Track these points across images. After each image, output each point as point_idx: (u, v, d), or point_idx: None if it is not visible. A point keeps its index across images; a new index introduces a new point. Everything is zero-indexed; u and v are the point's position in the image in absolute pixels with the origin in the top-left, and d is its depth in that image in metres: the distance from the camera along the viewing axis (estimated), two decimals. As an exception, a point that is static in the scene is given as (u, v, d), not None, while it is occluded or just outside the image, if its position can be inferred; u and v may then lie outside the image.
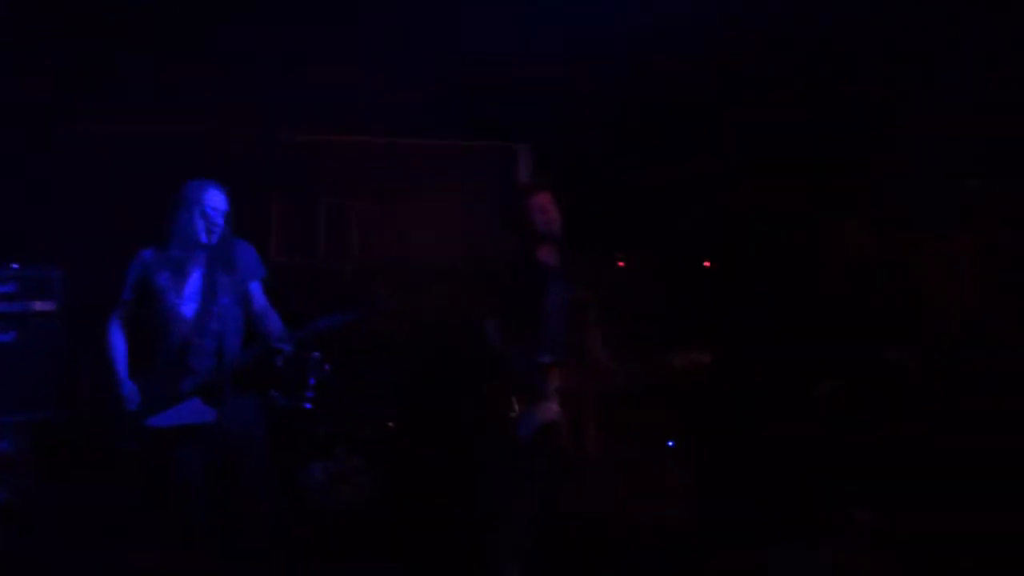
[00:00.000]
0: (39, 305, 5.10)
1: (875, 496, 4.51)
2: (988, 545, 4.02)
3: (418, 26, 5.90)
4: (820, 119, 5.58)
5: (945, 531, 4.14)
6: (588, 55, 5.87)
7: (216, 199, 3.73)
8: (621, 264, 5.50)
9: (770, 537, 4.36)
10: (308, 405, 5.09)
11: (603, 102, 6.13)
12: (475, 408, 4.02)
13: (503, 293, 4.01)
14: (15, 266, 5.08)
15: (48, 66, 5.70)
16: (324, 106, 6.17)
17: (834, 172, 5.62)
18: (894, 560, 4.09)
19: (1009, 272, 4.79)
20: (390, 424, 5.18)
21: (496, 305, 4.01)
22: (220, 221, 3.71)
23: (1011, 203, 4.71)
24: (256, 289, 3.86)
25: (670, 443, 5.09)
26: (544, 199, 4.03)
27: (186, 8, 5.57)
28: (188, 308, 3.72)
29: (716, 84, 5.80)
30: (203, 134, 6.05)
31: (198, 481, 3.72)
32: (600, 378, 3.98)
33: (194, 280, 3.74)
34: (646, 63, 5.82)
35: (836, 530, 4.40)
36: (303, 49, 6.11)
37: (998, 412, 4.36)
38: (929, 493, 4.36)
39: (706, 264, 6.06)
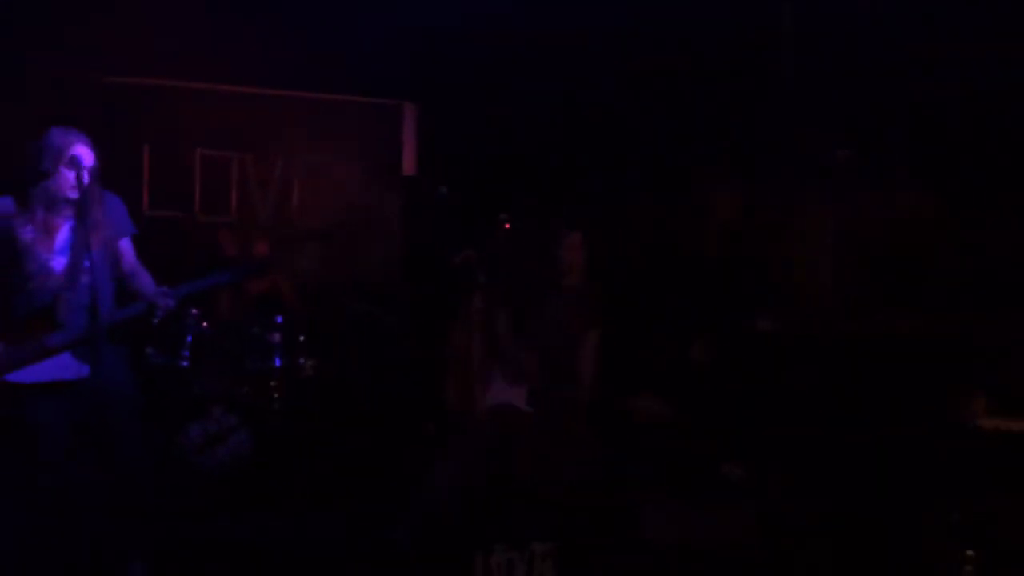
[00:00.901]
0: None
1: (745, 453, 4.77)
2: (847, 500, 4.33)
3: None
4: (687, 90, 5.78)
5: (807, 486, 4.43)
6: (476, 16, 5.87)
7: (83, 151, 3.51)
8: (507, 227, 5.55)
9: (646, 491, 4.56)
10: (185, 363, 4.97)
11: (491, 64, 6.15)
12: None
13: (523, 309, 4.26)
14: None
15: None
16: (204, 54, 5.94)
17: (706, 142, 5.83)
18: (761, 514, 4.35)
19: (871, 244, 5.11)
20: (272, 383, 5.11)
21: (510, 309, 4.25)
22: (87, 176, 3.50)
23: (875, 175, 5.01)
24: (126, 246, 3.69)
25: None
26: (576, 239, 4.29)
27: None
28: (58, 262, 3.53)
29: (593, 51, 5.88)
30: (73, 76, 5.74)
31: (65, 438, 3.56)
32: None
33: (63, 234, 3.54)
34: (531, 28, 5.86)
35: (709, 486, 4.64)
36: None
37: (860, 376, 4.68)
38: (793, 450, 4.65)
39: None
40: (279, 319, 5.24)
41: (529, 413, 4.21)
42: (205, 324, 5.09)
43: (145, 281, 3.67)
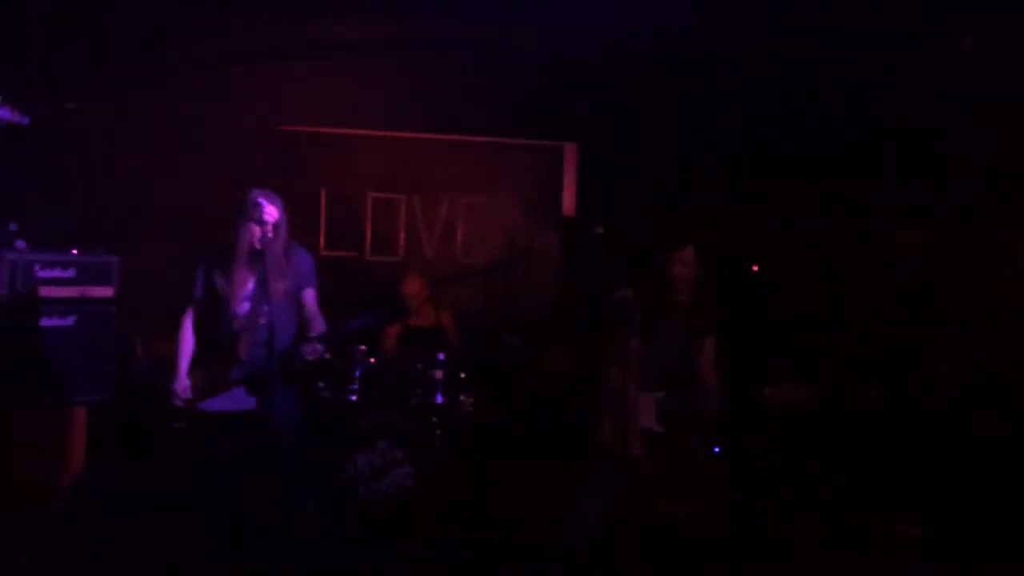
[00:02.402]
0: (97, 291, 5.26)
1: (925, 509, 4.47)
2: None
3: (469, 26, 5.96)
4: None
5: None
6: (634, 57, 5.89)
7: (268, 210, 3.94)
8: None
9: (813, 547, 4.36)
10: (353, 397, 5.20)
11: (648, 103, 6.15)
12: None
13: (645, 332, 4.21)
14: (74, 252, 5.24)
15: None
16: (369, 103, 6.28)
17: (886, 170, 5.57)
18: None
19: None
20: (434, 418, 5.25)
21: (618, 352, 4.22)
22: (271, 230, 3.96)
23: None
24: (309, 296, 4.11)
25: (716, 449, 5.10)
26: (687, 253, 4.22)
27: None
28: (242, 307, 3.99)
29: (755, 86, 5.77)
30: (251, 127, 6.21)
31: (233, 462, 3.95)
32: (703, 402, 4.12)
33: (250, 282, 4.00)
34: (691, 65, 5.82)
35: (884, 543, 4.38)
36: (355, 46, 6.23)
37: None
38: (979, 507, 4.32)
39: (754, 268, 6.04)
40: (441, 356, 5.38)
41: (659, 432, 4.14)
42: (372, 360, 5.31)
43: (317, 327, 4.09)
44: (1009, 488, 4.36)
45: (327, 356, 5.06)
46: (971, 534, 4.25)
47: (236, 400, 3.93)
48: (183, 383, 4.00)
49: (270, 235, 3.90)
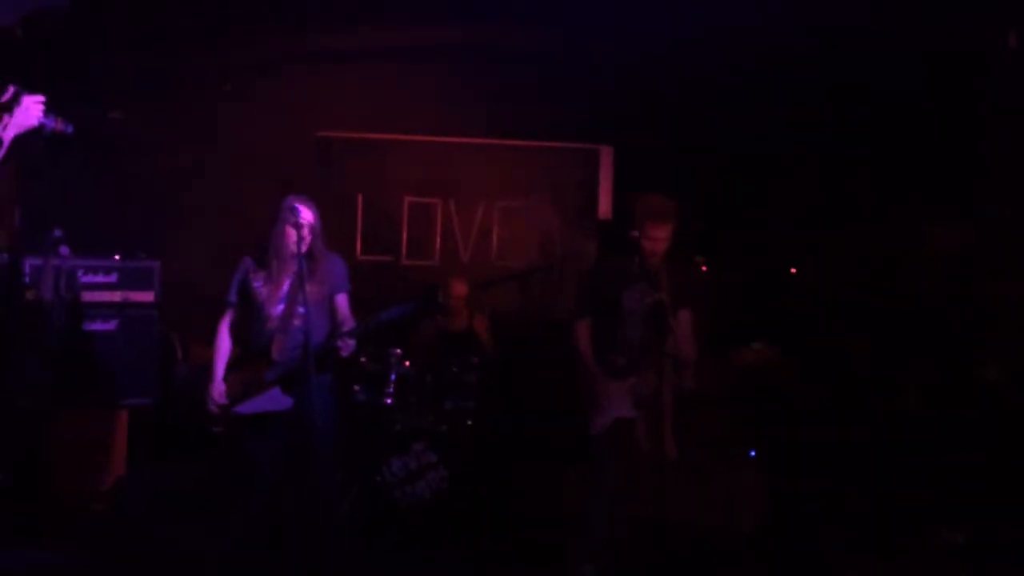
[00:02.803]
0: (138, 295, 5.35)
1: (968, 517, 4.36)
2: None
3: (503, 30, 5.96)
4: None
5: None
6: (670, 60, 5.85)
7: (304, 213, 3.98)
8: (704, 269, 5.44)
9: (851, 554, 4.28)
10: (389, 400, 5.22)
11: (684, 106, 6.10)
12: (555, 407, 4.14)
13: (592, 297, 4.20)
14: (116, 258, 5.34)
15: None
16: (405, 109, 6.32)
17: (926, 173, 5.47)
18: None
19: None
20: (468, 422, 5.25)
21: (586, 307, 4.21)
22: (308, 232, 4.02)
23: None
24: (342, 300, 4.14)
25: (752, 453, 5.03)
26: (663, 230, 4.14)
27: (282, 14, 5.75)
28: (276, 309, 4.03)
29: (797, 92, 5.70)
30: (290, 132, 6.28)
31: (270, 461, 3.98)
32: (679, 379, 4.03)
33: (285, 285, 4.04)
34: (726, 68, 5.77)
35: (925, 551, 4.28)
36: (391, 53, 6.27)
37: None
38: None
39: (792, 271, 5.96)
40: (476, 360, 5.38)
41: (635, 418, 4.07)
42: (407, 364, 5.32)
43: (349, 327, 4.07)
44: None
45: (361, 358, 5.13)
46: (1017, 540, 4.14)
47: (272, 401, 3.95)
48: (219, 388, 4.04)
49: (306, 238, 3.95)
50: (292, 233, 3.94)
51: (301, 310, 3.92)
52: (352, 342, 3.96)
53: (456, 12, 5.74)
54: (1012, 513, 4.24)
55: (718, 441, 5.13)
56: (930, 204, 5.45)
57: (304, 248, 3.95)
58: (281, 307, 4.02)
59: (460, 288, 5.76)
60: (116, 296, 5.31)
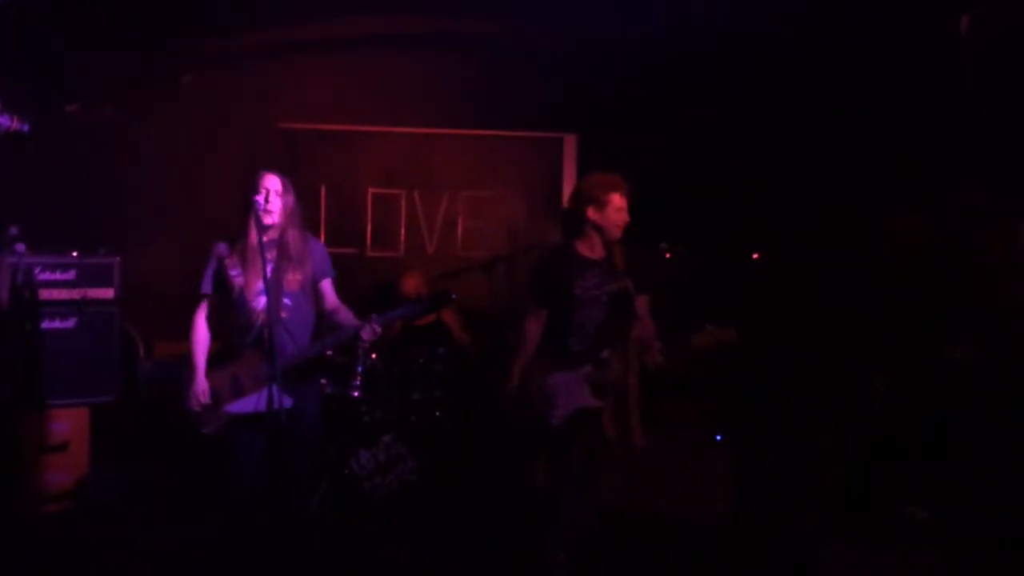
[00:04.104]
0: (98, 292, 5.26)
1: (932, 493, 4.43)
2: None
3: (466, 20, 5.94)
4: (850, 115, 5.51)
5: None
6: (633, 50, 5.87)
7: (272, 180, 3.79)
8: (668, 256, 5.47)
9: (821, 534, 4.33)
10: (356, 393, 5.20)
11: (648, 94, 6.12)
12: (515, 398, 4.07)
13: (547, 287, 4.07)
14: (74, 254, 5.24)
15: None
16: (368, 99, 6.27)
17: (886, 157, 5.53)
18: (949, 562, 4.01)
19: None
20: (437, 413, 5.24)
21: (537, 299, 4.08)
22: (279, 201, 3.76)
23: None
24: (327, 286, 3.95)
25: (718, 437, 5.08)
26: (617, 200, 4.02)
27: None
28: (259, 302, 3.77)
29: (764, 75, 5.74)
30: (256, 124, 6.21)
31: (253, 461, 3.81)
32: (646, 359, 3.98)
33: (264, 274, 3.74)
34: (689, 57, 5.79)
35: (890, 528, 4.34)
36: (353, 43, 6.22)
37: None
38: (987, 490, 4.28)
39: (754, 256, 6.01)
40: (442, 351, 5.37)
41: (599, 407, 3.96)
42: (375, 356, 5.30)
43: (345, 316, 3.91)
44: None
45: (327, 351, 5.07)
46: (981, 517, 4.23)
47: (266, 400, 3.62)
48: (202, 384, 3.79)
49: (273, 210, 3.70)
50: (258, 201, 3.68)
51: (287, 301, 3.72)
52: (378, 327, 3.75)
53: (419, 2, 5.71)
54: (976, 490, 4.32)
55: (684, 426, 5.18)
56: (895, 187, 5.52)
57: (273, 219, 3.71)
58: (264, 299, 3.71)
59: (411, 283, 5.75)
60: (75, 293, 5.21)
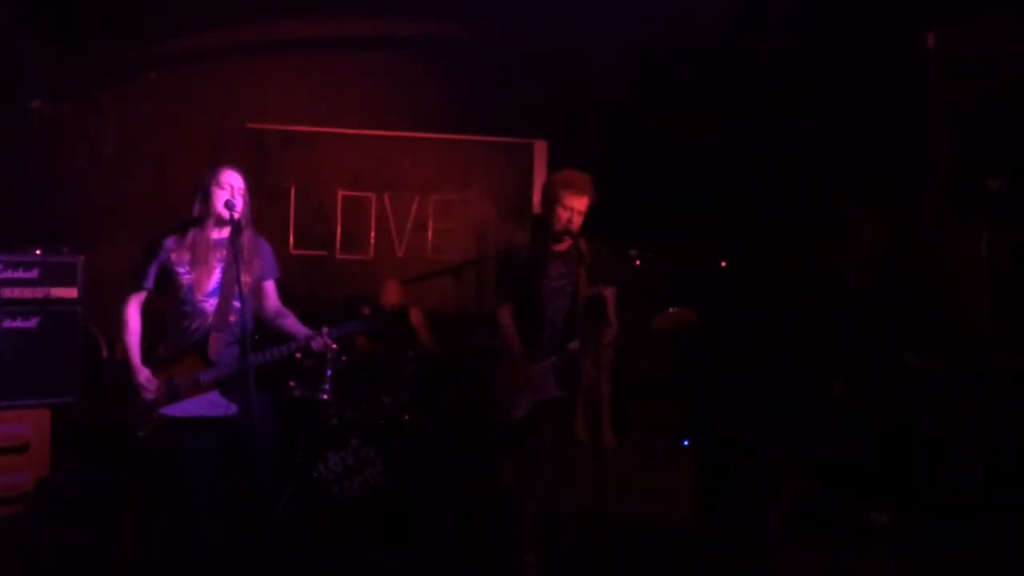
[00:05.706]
0: (61, 291, 5.17)
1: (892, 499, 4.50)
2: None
3: (437, 24, 5.95)
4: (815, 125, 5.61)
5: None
6: (604, 55, 5.91)
7: (235, 177, 3.69)
8: (637, 263, 5.52)
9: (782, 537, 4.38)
10: (325, 396, 5.16)
11: (618, 101, 6.17)
12: (484, 395, 4.09)
13: (513, 282, 4.12)
14: (38, 253, 5.14)
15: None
16: (339, 101, 6.25)
17: (848, 169, 5.63)
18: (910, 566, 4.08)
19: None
20: (405, 416, 5.22)
21: (508, 293, 4.13)
22: (239, 197, 3.64)
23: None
24: (271, 288, 3.84)
25: (685, 442, 5.12)
26: (581, 202, 4.08)
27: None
28: (210, 303, 3.68)
29: (730, 85, 5.81)
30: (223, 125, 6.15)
31: (209, 469, 3.69)
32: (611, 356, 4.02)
33: (216, 275, 3.69)
34: (658, 62, 5.85)
35: (850, 533, 4.40)
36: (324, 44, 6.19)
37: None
38: (945, 495, 4.36)
39: (722, 264, 6.08)
40: (411, 353, 5.35)
41: (564, 397, 4.02)
42: (344, 358, 5.27)
43: (290, 322, 3.82)
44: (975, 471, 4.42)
45: (296, 354, 5.02)
46: (940, 521, 4.30)
47: (212, 406, 3.63)
48: (144, 373, 3.63)
49: (238, 204, 3.59)
50: (220, 194, 3.59)
51: (236, 304, 3.61)
52: (331, 341, 3.70)
53: (390, 5, 5.70)
54: (935, 494, 4.39)
55: (651, 429, 5.21)
56: (857, 197, 5.61)
57: (236, 214, 3.58)
58: (214, 300, 3.64)
59: (392, 294, 5.76)
60: (37, 292, 5.11)
